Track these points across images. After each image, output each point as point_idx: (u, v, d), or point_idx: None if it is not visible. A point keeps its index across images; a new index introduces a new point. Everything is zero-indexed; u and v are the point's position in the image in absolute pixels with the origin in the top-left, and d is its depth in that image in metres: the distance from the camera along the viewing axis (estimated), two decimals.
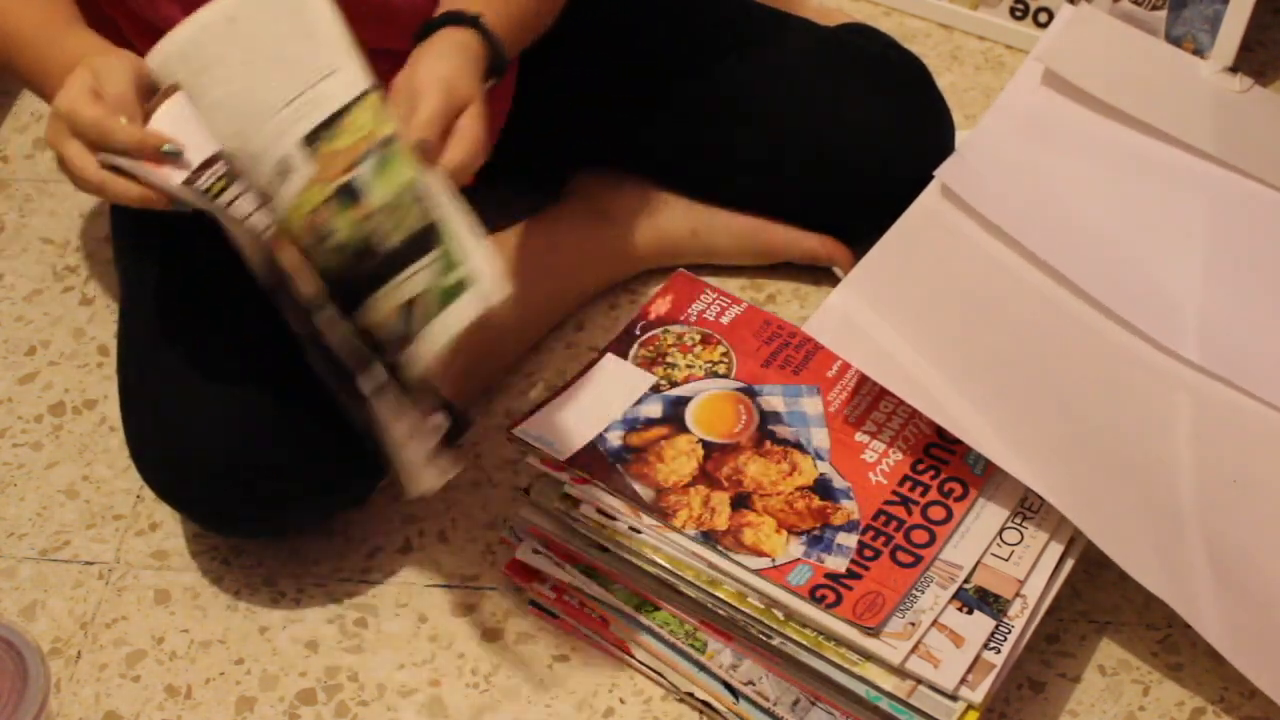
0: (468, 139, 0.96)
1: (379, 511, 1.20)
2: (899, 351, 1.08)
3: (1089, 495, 1.04)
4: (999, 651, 0.99)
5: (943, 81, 1.41)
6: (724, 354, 1.15)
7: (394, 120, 0.95)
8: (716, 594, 1.01)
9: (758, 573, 1.01)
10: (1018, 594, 1.02)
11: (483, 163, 0.99)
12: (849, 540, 1.03)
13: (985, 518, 1.06)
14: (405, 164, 0.93)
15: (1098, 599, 1.15)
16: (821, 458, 1.08)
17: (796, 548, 1.02)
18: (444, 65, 0.98)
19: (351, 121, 0.95)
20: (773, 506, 1.05)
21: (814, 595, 0.99)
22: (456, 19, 1.02)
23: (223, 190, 0.95)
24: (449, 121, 0.97)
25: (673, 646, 1.06)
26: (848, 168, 1.30)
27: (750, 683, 1.04)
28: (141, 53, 1.20)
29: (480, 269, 0.92)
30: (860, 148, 1.29)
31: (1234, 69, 1.29)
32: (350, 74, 0.96)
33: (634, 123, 1.33)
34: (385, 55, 1.24)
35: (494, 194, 1.41)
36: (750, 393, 1.13)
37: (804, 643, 0.99)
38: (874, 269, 1.12)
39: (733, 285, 1.37)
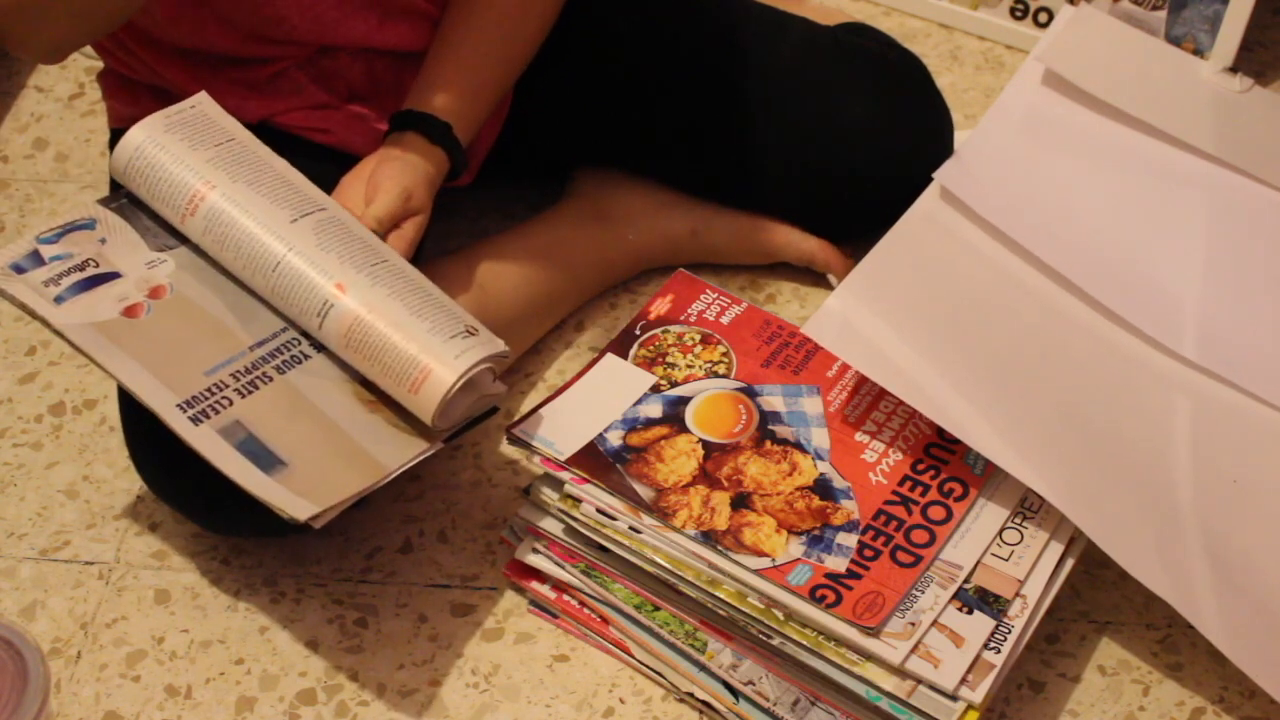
0: (405, 241, 1.11)
1: (379, 511, 1.20)
2: (898, 353, 1.08)
3: (1089, 495, 1.04)
4: (999, 651, 0.99)
5: (943, 81, 1.41)
6: (724, 354, 1.15)
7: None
8: (716, 594, 1.01)
9: (758, 573, 1.01)
10: (1018, 594, 1.02)
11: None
12: (849, 540, 1.03)
13: (985, 518, 1.06)
14: None
15: (1098, 599, 1.15)
16: (821, 458, 1.08)
17: (796, 548, 1.02)
18: (408, 177, 1.12)
19: None
20: (773, 506, 1.05)
21: (814, 595, 0.99)
22: (429, 127, 1.15)
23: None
24: (398, 221, 1.12)
25: (673, 646, 1.06)
26: (847, 167, 1.30)
27: (750, 683, 1.04)
28: (140, 57, 1.20)
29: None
30: (860, 147, 1.29)
31: (1234, 69, 1.29)
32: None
33: (634, 122, 1.33)
34: (382, 55, 1.24)
35: (494, 194, 1.42)
36: (750, 393, 1.13)
37: (804, 643, 0.99)
38: (873, 270, 1.12)
39: (733, 285, 1.37)
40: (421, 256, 1.30)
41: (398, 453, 1.02)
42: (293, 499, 0.97)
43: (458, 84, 1.17)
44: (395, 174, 1.11)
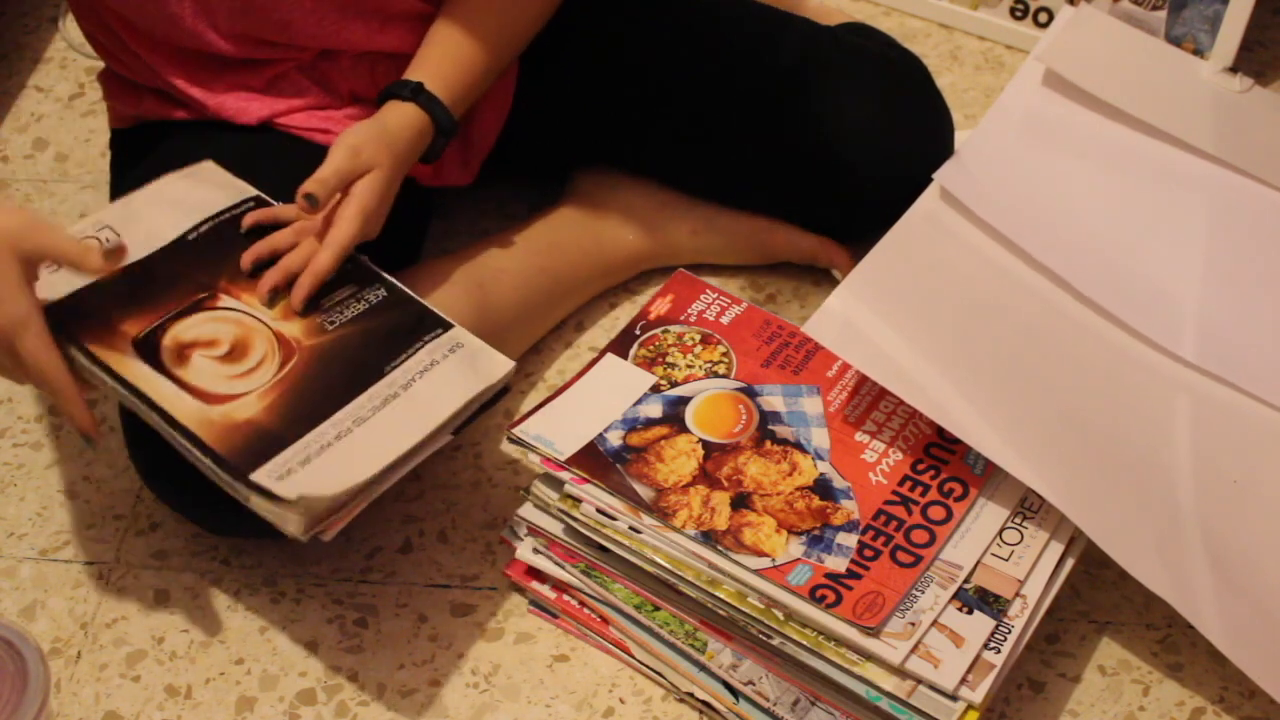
0: (356, 202, 1.09)
1: (379, 511, 1.20)
2: (898, 352, 1.08)
3: (1089, 494, 1.04)
4: (999, 651, 0.99)
5: (943, 81, 1.41)
6: (724, 354, 1.15)
7: None
8: (716, 594, 1.01)
9: (758, 573, 1.01)
10: (1018, 594, 1.02)
11: (375, 234, 1.11)
12: (849, 540, 1.03)
13: (985, 518, 1.06)
14: None
15: (1098, 599, 1.15)
16: (821, 458, 1.08)
17: (796, 548, 1.02)
18: (356, 134, 1.11)
19: None
20: (773, 506, 1.05)
21: (814, 595, 0.99)
22: (400, 91, 1.15)
23: None
24: (344, 181, 1.10)
25: (673, 646, 1.06)
26: (847, 167, 1.30)
27: (750, 683, 1.04)
28: (142, 58, 1.20)
29: None
30: (860, 148, 1.29)
31: (1234, 69, 1.29)
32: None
33: (634, 122, 1.33)
34: (384, 58, 1.24)
35: (494, 194, 1.42)
36: (750, 393, 1.13)
37: (804, 643, 0.99)
38: (873, 271, 1.12)
39: (733, 285, 1.37)
40: (421, 256, 1.31)
41: (402, 440, 1.02)
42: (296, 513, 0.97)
43: (438, 57, 1.17)
44: (342, 136, 1.11)
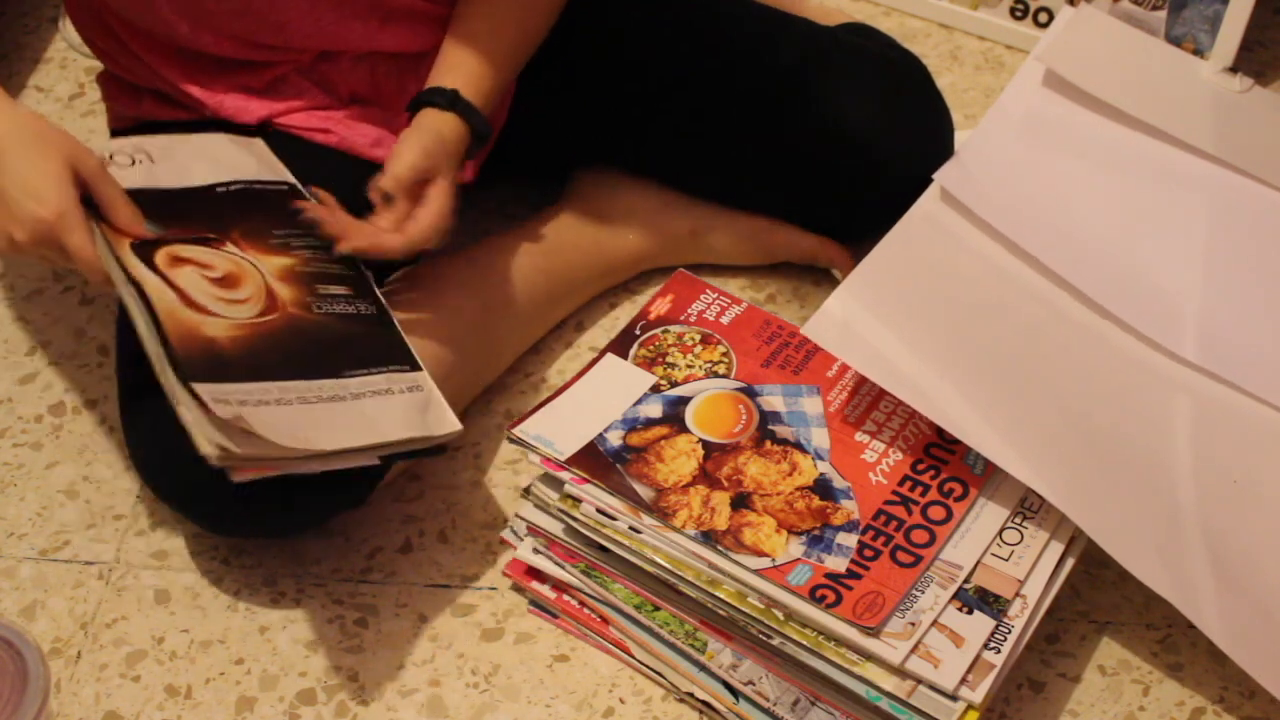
0: (433, 211, 1.12)
1: (379, 511, 1.20)
2: (898, 353, 1.08)
3: (1089, 494, 1.04)
4: (999, 651, 0.99)
5: (943, 81, 1.41)
6: (724, 354, 1.15)
7: None
8: (716, 594, 1.01)
9: (758, 573, 1.01)
10: (1018, 594, 1.02)
11: (444, 239, 1.13)
12: (849, 540, 1.03)
13: (985, 518, 1.06)
14: None
15: (1098, 599, 1.15)
16: (821, 458, 1.08)
17: (796, 548, 1.02)
18: (424, 137, 1.13)
19: None
20: (773, 506, 1.05)
21: (814, 595, 0.99)
22: (436, 99, 1.15)
23: None
24: (417, 177, 1.12)
25: (673, 646, 1.06)
26: (847, 168, 1.30)
27: (750, 683, 1.04)
28: (142, 59, 1.20)
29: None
30: (860, 148, 1.29)
31: (1234, 69, 1.29)
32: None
33: (634, 122, 1.33)
34: (384, 59, 1.24)
35: (494, 194, 1.42)
36: (750, 393, 1.13)
37: (804, 643, 0.99)
38: (873, 272, 1.12)
39: (733, 285, 1.37)
40: (421, 256, 1.31)
41: (334, 439, 1.02)
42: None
43: (468, 60, 1.17)
44: (409, 136, 1.12)
